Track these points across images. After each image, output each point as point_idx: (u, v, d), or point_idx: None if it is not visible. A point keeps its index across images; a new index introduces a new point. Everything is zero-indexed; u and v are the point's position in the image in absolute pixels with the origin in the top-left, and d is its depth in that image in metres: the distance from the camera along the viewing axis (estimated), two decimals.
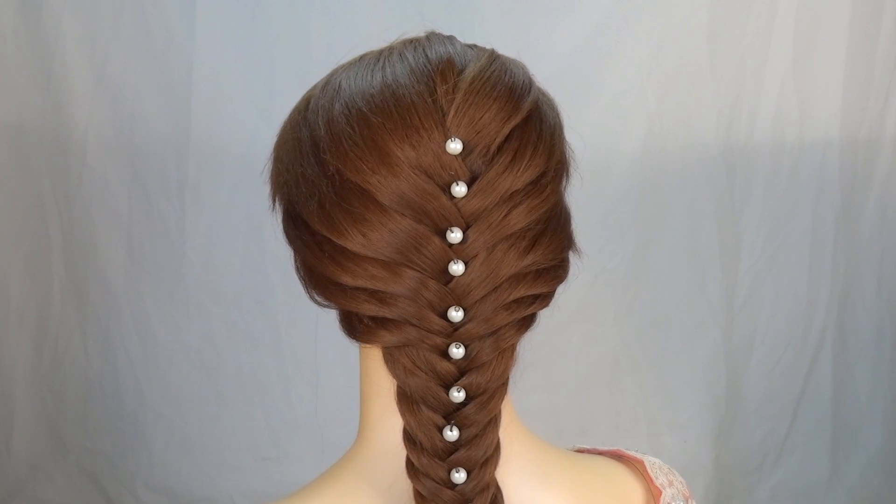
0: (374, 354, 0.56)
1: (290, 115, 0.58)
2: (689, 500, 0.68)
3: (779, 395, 2.17)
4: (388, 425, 0.56)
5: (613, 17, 1.97)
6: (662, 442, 2.13)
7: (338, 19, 1.97)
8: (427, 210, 0.51)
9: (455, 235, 0.51)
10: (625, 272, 2.06)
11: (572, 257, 0.57)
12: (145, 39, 2.00)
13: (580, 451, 0.67)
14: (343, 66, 0.58)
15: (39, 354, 2.14)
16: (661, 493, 0.65)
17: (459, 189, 0.51)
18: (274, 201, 0.59)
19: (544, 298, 0.55)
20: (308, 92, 0.59)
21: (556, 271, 0.55)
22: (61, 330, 2.15)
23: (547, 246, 0.53)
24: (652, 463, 0.67)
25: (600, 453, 0.68)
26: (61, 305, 2.14)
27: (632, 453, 0.67)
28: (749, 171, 2.06)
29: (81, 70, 2.01)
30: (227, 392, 2.15)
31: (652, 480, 0.65)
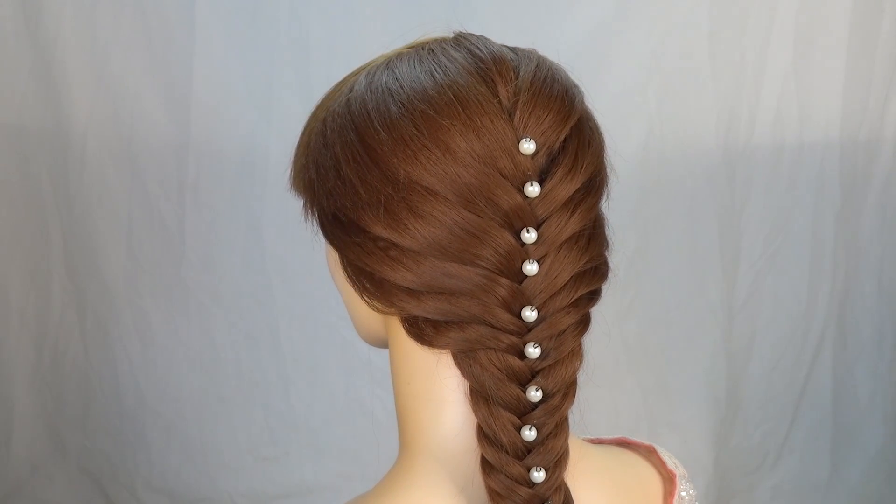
0: (431, 357, 0.55)
1: (325, 119, 0.57)
2: (690, 482, 0.70)
3: (779, 396, 2.17)
4: (446, 428, 0.55)
5: (613, 16, 1.97)
6: (662, 442, 2.12)
7: (338, 20, 1.97)
8: (502, 208, 0.51)
9: (530, 235, 0.51)
10: (625, 272, 2.06)
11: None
12: (145, 39, 2.00)
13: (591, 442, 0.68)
14: (377, 66, 0.57)
15: (39, 354, 2.14)
16: (675, 475, 0.67)
17: (533, 189, 0.51)
18: (311, 209, 0.58)
19: (598, 295, 0.57)
20: (339, 94, 0.57)
21: (603, 268, 0.57)
22: (61, 330, 2.15)
23: (598, 243, 0.55)
24: (660, 448, 0.69)
25: (609, 443, 0.68)
26: (61, 305, 2.14)
27: (639, 441, 0.69)
28: (749, 172, 2.06)
29: (81, 70, 2.01)
30: (227, 392, 2.15)
31: (664, 464, 0.67)
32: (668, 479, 0.67)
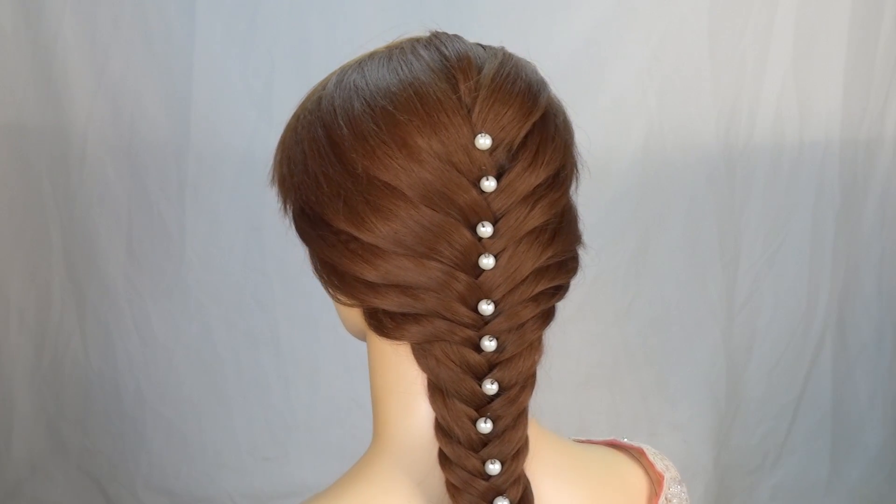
0: (397, 350, 0.56)
1: (299, 116, 0.58)
2: (682, 484, 0.69)
3: (779, 395, 2.17)
4: (411, 421, 0.56)
5: (613, 16, 1.97)
6: (662, 442, 2.13)
7: (337, 20, 1.97)
8: (458, 204, 0.52)
9: (486, 230, 0.52)
10: (625, 272, 2.06)
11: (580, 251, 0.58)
12: (145, 39, 2.00)
13: (578, 442, 0.68)
14: (350, 65, 0.58)
15: (39, 354, 2.14)
16: (663, 476, 0.66)
17: (489, 184, 0.52)
18: (285, 204, 0.59)
19: (563, 290, 0.57)
20: (315, 92, 0.59)
21: (571, 263, 0.57)
22: (61, 330, 2.15)
23: (564, 239, 0.55)
24: (650, 450, 0.68)
25: (598, 444, 0.69)
26: (61, 305, 2.14)
27: (628, 442, 0.69)
28: (749, 171, 2.06)
29: (81, 70, 2.01)
30: (227, 392, 2.15)
31: (652, 466, 0.67)
32: (657, 482, 0.66)
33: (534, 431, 0.58)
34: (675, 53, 1.99)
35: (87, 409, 2.18)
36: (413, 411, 0.56)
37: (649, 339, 2.11)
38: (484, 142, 0.52)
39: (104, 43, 2.00)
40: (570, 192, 0.57)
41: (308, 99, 0.59)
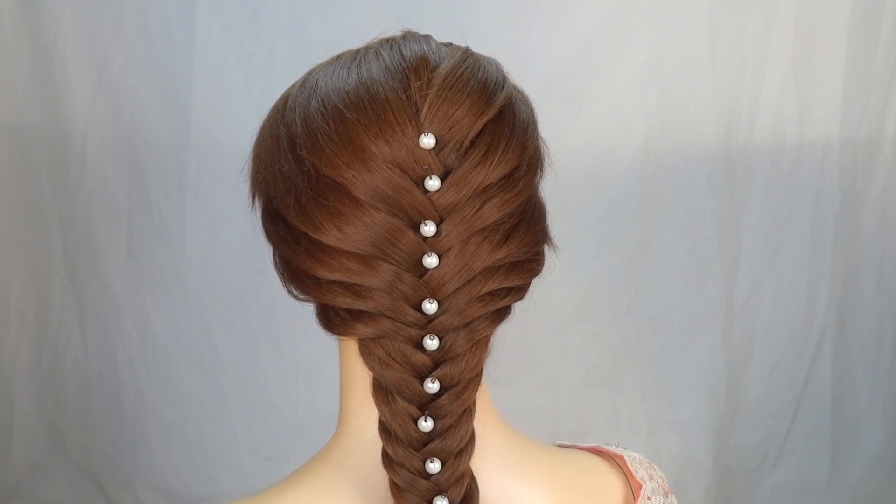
0: (352, 347, 0.57)
1: (269, 113, 0.59)
2: (669, 495, 0.68)
3: (779, 395, 2.17)
4: (365, 418, 0.57)
5: (613, 16, 1.97)
6: (662, 442, 2.13)
7: (338, 20, 1.97)
8: (401, 204, 0.52)
9: (429, 228, 0.52)
10: (625, 272, 2.06)
11: (549, 252, 0.58)
12: (145, 39, 2.00)
13: (561, 447, 0.68)
14: (321, 64, 0.59)
15: (39, 354, 2.14)
16: (641, 486, 0.65)
17: (433, 183, 0.51)
18: (253, 198, 0.61)
19: (518, 291, 0.56)
20: (286, 91, 0.59)
21: (529, 264, 0.56)
22: (61, 330, 2.15)
23: (521, 239, 0.54)
24: (632, 458, 0.67)
25: (580, 450, 0.68)
26: (61, 305, 2.14)
27: (611, 449, 0.68)
28: (749, 171, 2.06)
29: (81, 70, 2.01)
30: (227, 392, 2.15)
31: (632, 475, 0.66)
32: (637, 490, 0.66)
33: (497, 431, 0.58)
34: (675, 53, 1.99)
35: (87, 409, 2.18)
36: (364, 410, 0.57)
37: (649, 339, 2.11)
38: (427, 141, 0.51)
39: (104, 43, 2.00)
40: (535, 192, 0.56)
41: (279, 98, 0.60)
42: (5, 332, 2.09)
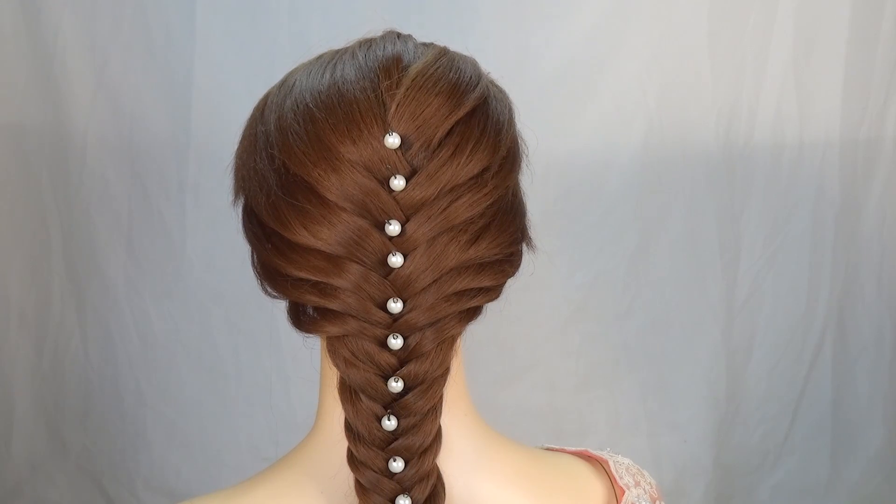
0: (324, 346, 0.57)
1: (252, 112, 0.61)
2: (658, 502, 0.68)
3: (779, 395, 2.17)
4: (336, 416, 0.56)
5: (613, 17, 1.96)
6: (662, 442, 2.13)
7: (338, 20, 1.97)
8: (367, 204, 0.52)
9: (393, 228, 0.51)
10: (625, 272, 2.06)
11: (527, 252, 0.58)
12: (145, 39, 2.00)
13: (548, 450, 0.68)
14: (303, 64, 0.59)
15: (39, 354, 2.14)
16: (623, 492, 0.65)
17: (398, 182, 0.51)
18: (236, 196, 0.60)
19: (490, 291, 0.55)
20: (269, 90, 0.61)
21: (501, 265, 0.55)
22: (61, 330, 2.15)
23: (493, 239, 0.54)
24: (618, 463, 0.67)
25: (566, 453, 0.68)
26: (61, 305, 2.14)
27: (598, 453, 0.68)
28: (749, 171, 2.06)
29: (81, 70, 2.01)
30: (227, 392, 2.15)
31: (616, 480, 0.65)
32: (620, 495, 0.65)
33: (473, 431, 0.58)
34: (675, 53, 1.99)
35: (87, 409, 2.18)
36: (334, 409, 0.56)
37: (649, 339, 2.11)
38: (392, 140, 0.51)
39: (104, 43, 2.00)
40: (509, 192, 0.56)
41: (261, 98, 0.61)
42: (5, 332, 2.09)
